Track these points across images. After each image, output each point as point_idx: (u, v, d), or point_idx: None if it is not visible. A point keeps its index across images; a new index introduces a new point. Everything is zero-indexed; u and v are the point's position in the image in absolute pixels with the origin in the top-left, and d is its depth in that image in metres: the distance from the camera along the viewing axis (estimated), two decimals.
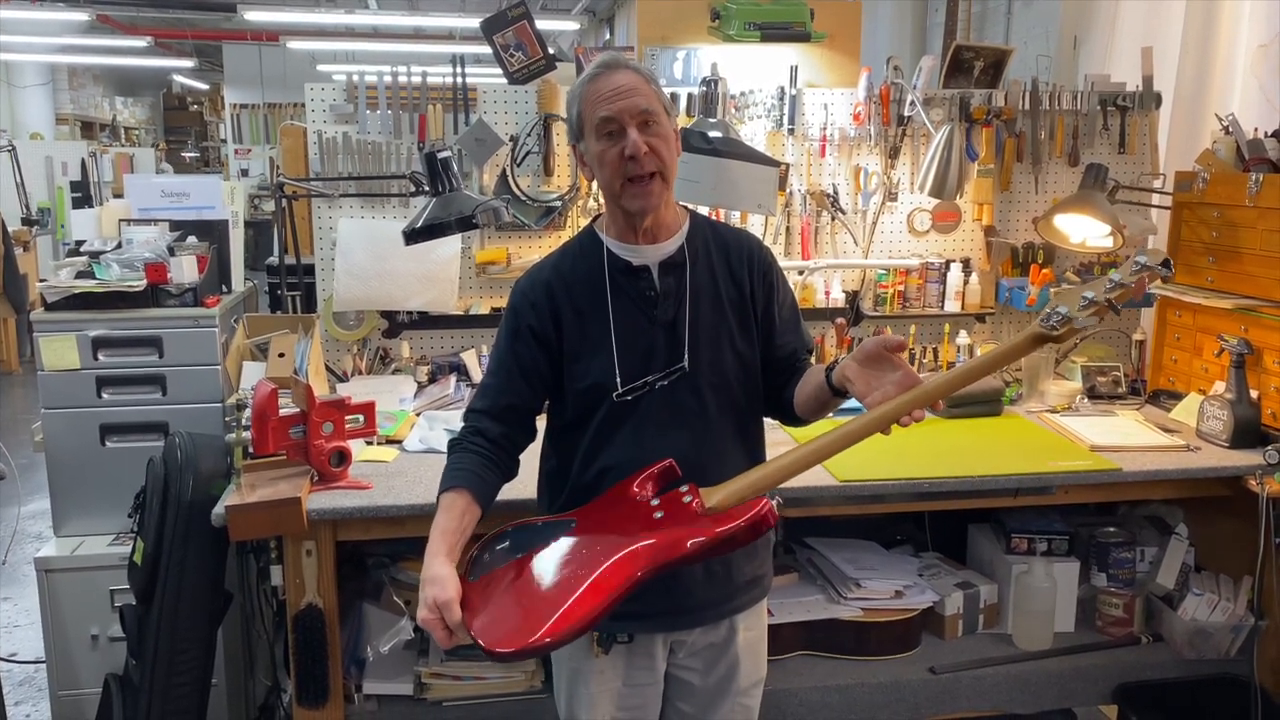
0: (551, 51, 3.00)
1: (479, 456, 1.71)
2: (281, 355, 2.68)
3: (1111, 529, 2.86)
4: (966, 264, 3.24)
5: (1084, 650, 2.71)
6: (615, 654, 1.78)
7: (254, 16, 8.80)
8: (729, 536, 1.49)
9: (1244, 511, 2.53)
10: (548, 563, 1.54)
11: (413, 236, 2.46)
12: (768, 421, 1.92)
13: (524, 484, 1.89)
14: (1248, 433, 2.57)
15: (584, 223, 2.28)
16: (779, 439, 2.55)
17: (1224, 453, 2.56)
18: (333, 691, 2.29)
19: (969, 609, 2.76)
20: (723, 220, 2.94)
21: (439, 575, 1.53)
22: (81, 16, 9.41)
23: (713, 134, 2.89)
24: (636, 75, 1.67)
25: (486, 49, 2.97)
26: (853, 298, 3.22)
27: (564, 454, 1.78)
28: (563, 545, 1.57)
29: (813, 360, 1.88)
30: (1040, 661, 2.66)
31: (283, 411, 2.29)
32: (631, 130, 1.64)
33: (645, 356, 1.73)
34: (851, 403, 2.59)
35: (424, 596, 1.51)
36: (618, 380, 1.71)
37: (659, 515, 1.54)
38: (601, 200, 2.07)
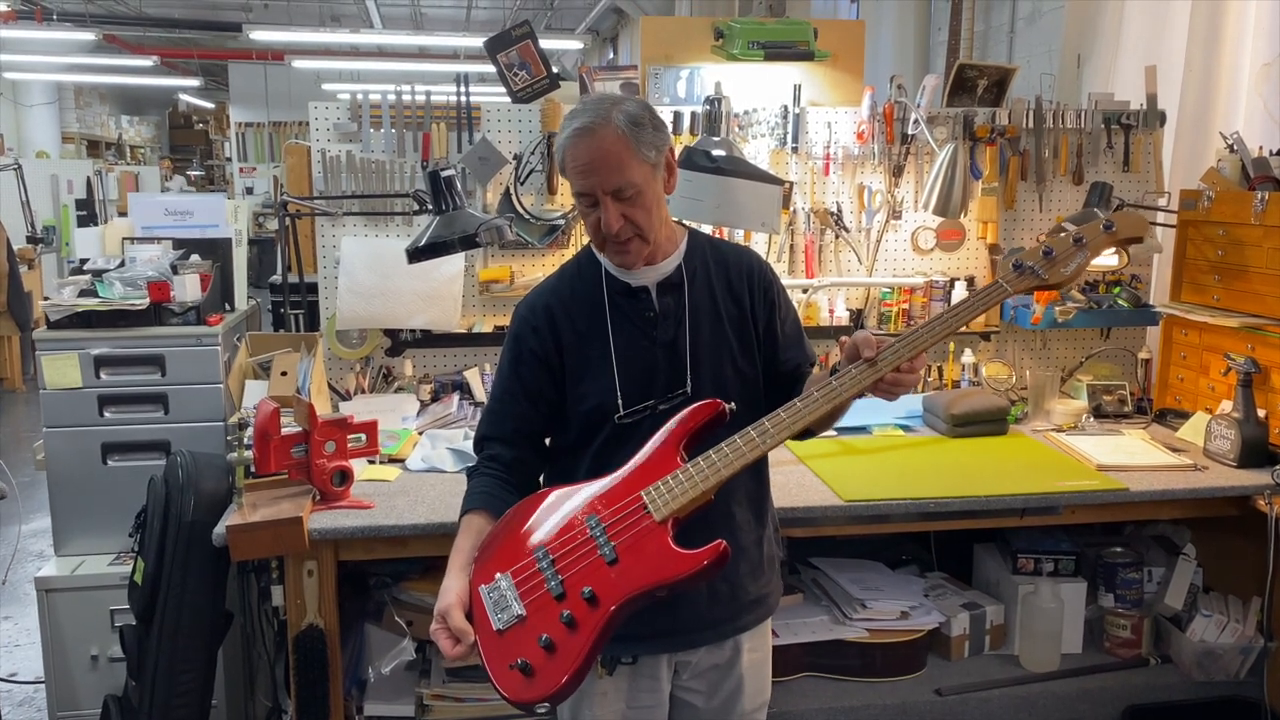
0: (555, 70, 3.01)
1: (495, 479, 1.72)
2: (284, 374, 2.68)
3: (1119, 549, 2.84)
4: (971, 282, 3.23)
5: (1091, 672, 2.69)
6: (619, 675, 1.77)
7: (260, 36, 8.87)
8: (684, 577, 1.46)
9: (1252, 532, 2.51)
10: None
11: (416, 255, 2.46)
12: None
13: None
14: (1256, 452, 2.55)
15: (587, 240, 2.27)
16: (783, 457, 2.55)
17: (1232, 472, 2.55)
18: (333, 713, 2.27)
19: (975, 630, 2.74)
20: (724, 237, 2.94)
21: (445, 587, 1.55)
22: (88, 36, 9.49)
23: (716, 152, 2.89)
24: (614, 138, 1.59)
25: (491, 67, 2.98)
26: (857, 316, 3.22)
27: (565, 475, 1.77)
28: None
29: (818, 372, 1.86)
30: (1047, 683, 2.64)
31: (285, 430, 2.29)
32: (606, 204, 1.61)
33: (647, 378, 1.72)
34: (853, 419, 2.54)
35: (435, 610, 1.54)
36: (619, 402, 1.70)
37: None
38: None
